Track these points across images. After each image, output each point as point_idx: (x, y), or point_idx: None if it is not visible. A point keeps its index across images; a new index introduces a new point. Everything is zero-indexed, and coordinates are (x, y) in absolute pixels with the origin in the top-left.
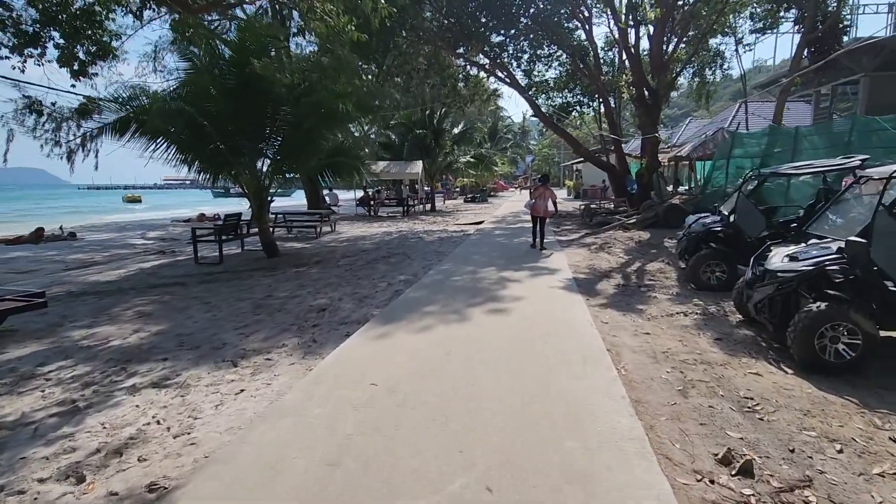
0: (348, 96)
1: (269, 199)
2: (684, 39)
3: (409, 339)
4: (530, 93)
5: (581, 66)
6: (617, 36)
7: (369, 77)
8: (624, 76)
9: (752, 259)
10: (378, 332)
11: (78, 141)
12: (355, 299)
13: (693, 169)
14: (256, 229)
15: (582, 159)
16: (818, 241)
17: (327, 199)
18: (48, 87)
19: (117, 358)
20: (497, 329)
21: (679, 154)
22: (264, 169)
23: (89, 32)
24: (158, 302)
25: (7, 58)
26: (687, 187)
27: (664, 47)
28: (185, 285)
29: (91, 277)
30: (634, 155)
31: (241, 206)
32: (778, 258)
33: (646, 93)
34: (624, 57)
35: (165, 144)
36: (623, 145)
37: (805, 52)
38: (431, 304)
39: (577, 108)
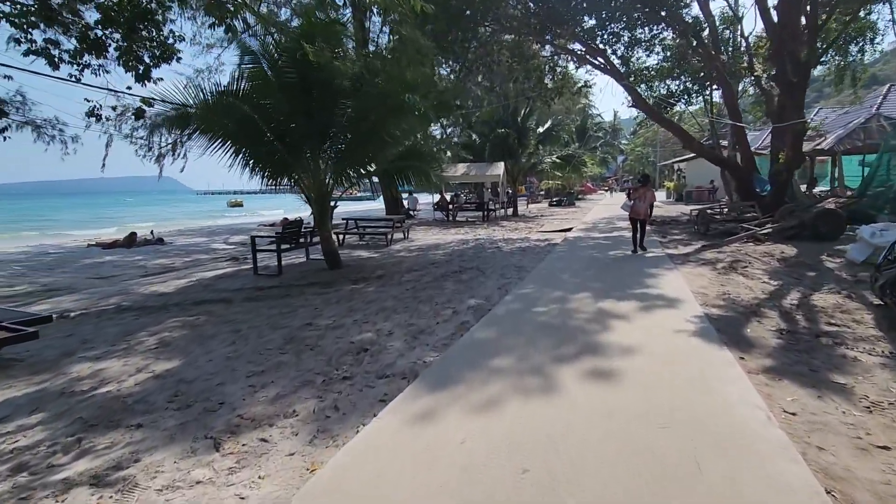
0: (417, 87)
1: (332, 204)
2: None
3: (464, 429)
4: (629, 80)
5: (695, 44)
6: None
7: (449, 74)
8: (758, 49)
9: None
10: (422, 405)
11: (167, 146)
12: (409, 334)
13: (838, 165)
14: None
15: (686, 157)
16: None
17: (406, 203)
18: (113, 91)
19: (88, 417)
20: (601, 415)
21: (819, 147)
22: (327, 171)
23: (147, 33)
24: (190, 326)
25: (69, 62)
26: (829, 188)
27: (808, 10)
28: (230, 303)
29: (153, 287)
30: (756, 150)
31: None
32: None
33: (788, 68)
34: (744, 34)
35: (221, 144)
36: (719, 146)
37: None
38: (503, 355)
39: (685, 97)
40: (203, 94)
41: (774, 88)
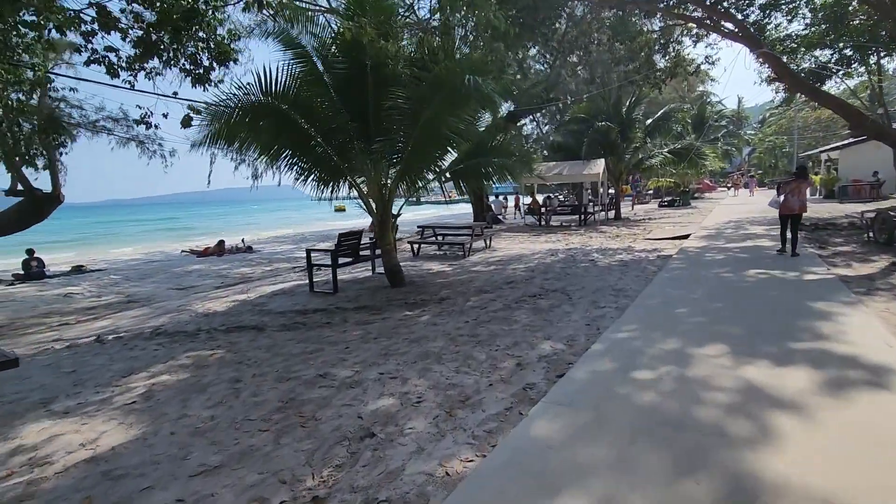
0: (483, 69)
1: (395, 213)
2: None
3: None
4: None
5: None
6: None
7: (539, 62)
8: None
9: None
10: None
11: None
12: (444, 404)
13: None
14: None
15: (838, 144)
16: None
17: (493, 207)
18: (162, 95)
19: None
20: None
21: None
22: (386, 174)
23: (201, 34)
24: (196, 366)
25: (125, 69)
26: None
27: None
28: (262, 331)
29: (208, 304)
30: None
31: (442, 213)
32: None
33: None
34: None
35: (263, 152)
36: None
37: None
38: (572, 485)
39: (842, 67)
40: (236, 97)
41: None
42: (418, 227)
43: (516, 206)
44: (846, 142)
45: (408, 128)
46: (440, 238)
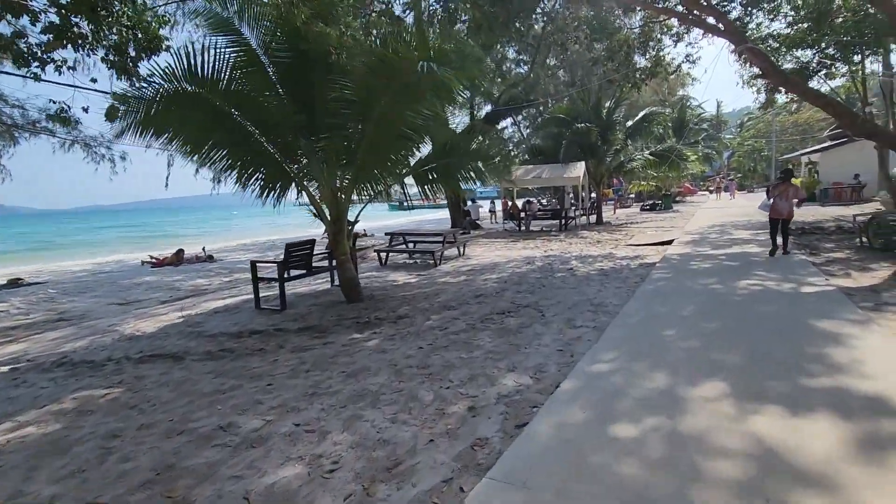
0: (443, 56)
1: (350, 221)
2: None
3: None
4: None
5: None
6: None
7: (517, 62)
8: None
9: None
10: None
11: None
12: (361, 479)
13: None
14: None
15: (817, 147)
16: None
17: (471, 212)
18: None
19: None
20: None
21: None
22: (339, 177)
23: (125, 20)
24: (78, 412)
25: (41, 57)
26: None
27: None
28: (181, 360)
29: (140, 324)
30: None
31: (424, 218)
32: None
33: None
34: None
35: (190, 149)
36: (894, 123)
37: None
38: None
39: (826, 68)
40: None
41: None
42: (386, 233)
43: (504, 210)
44: (826, 144)
45: (360, 123)
46: (410, 246)
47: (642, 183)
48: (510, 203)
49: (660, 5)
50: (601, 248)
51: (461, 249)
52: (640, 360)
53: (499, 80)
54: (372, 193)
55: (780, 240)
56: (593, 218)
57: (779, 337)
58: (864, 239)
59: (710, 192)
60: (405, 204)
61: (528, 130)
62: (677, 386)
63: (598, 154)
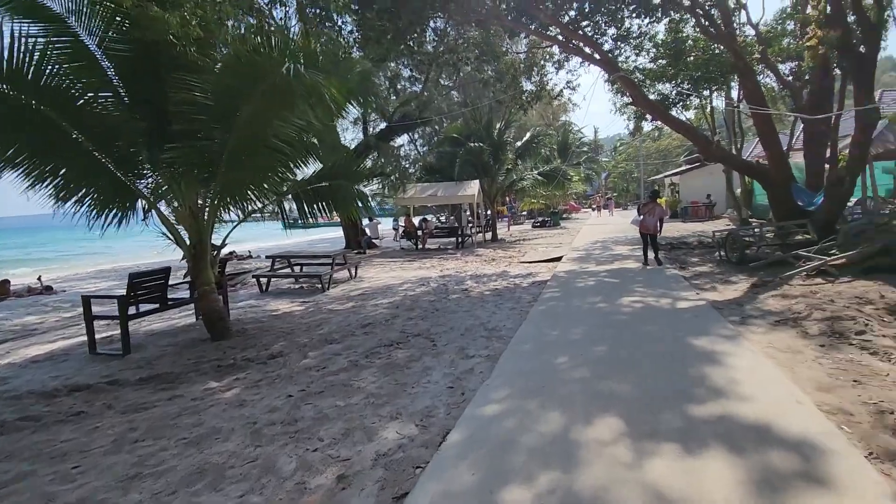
0: (312, 57)
1: (215, 246)
2: None
3: None
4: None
5: (706, 24)
6: None
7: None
8: (773, 38)
9: None
10: None
11: None
12: None
13: (871, 170)
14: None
15: (679, 170)
16: None
17: (367, 230)
18: None
19: None
20: None
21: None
22: (199, 195)
23: None
24: None
25: None
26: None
27: None
28: None
29: None
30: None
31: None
32: None
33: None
34: (751, 21)
35: None
36: (739, 151)
37: None
38: None
39: (682, 100)
40: None
41: (798, 80)
42: (267, 256)
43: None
44: (684, 168)
45: (219, 132)
46: (295, 270)
47: (533, 201)
48: (407, 221)
49: (540, 31)
50: (496, 265)
51: (353, 271)
52: (533, 396)
53: (393, 97)
54: (242, 213)
55: (651, 253)
56: (489, 235)
57: (663, 361)
58: (723, 253)
59: (593, 209)
60: (299, 222)
61: (424, 148)
62: (571, 427)
63: (491, 173)
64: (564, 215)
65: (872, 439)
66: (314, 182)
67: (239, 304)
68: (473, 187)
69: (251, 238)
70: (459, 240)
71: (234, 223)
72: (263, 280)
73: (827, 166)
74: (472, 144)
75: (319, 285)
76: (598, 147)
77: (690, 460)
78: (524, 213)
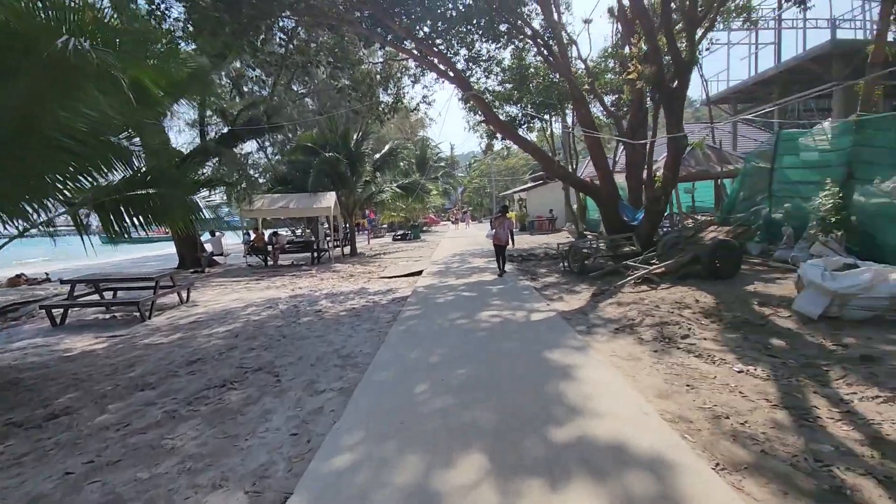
0: (105, 35)
1: None
2: None
3: None
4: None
5: (546, 53)
6: None
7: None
8: (600, 73)
9: None
10: None
11: None
12: None
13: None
14: None
15: (526, 186)
16: None
17: (208, 246)
18: None
19: None
20: None
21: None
22: None
23: None
24: None
25: None
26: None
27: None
28: None
29: None
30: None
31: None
32: None
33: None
34: (581, 56)
35: None
36: (575, 170)
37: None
38: None
39: (527, 122)
40: None
41: (621, 109)
42: (62, 281)
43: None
44: (529, 185)
45: None
46: (107, 296)
47: (393, 214)
48: (254, 235)
49: (398, 43)
50: (354, 282)
51: (184, 295)
52: (390, 437)
53: (237, 98)
54: (19, 228)
55: (503, 264)
56: (347, 249)
57: (522, 380)
58: (566, 264)
59: (451, 222)
60: (125, 236)
61: (276, 157)
62: (433, 473)
63: (348, 184)
64: (424, 228)
65: (715, 448)
66: (125, 190)
67: (16, 345)
68: (329, 199)
69: (62, 257)
70: (315, 255)
71: (6, 239)
72: (58, 311)
73: (644, 187)
74: (327, 154)
75: (138, 314)
76: (455, 163)
77: (556, 497)
78: (384, 226)
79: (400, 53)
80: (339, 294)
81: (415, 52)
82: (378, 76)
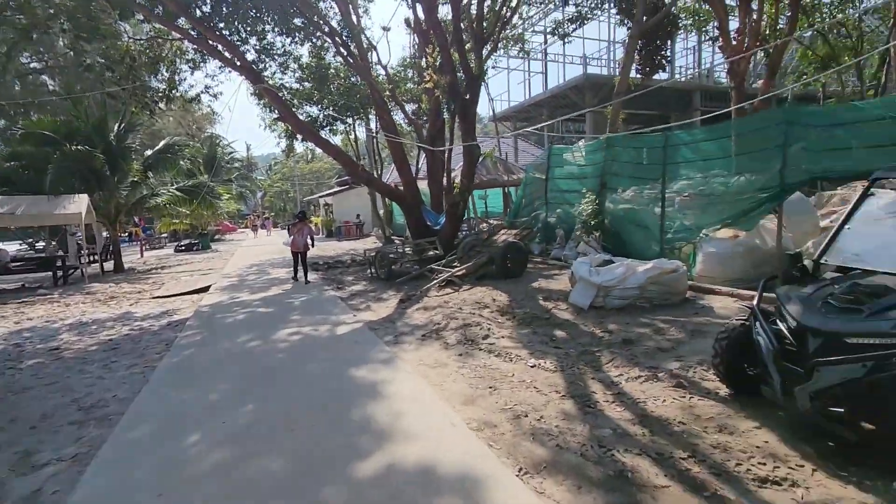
0: None
1: None
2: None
3: None
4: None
5: (345, 54)
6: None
7: None
8: (426, 61)
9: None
10: None
11: None
12: None
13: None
14: None
15: (332, 191)
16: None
17: None
18: None
19: None
20: None
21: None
22: None
23: None
24: None
25: None
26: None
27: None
28: None
29: None
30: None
31: None
32: (812, 310)
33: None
34: (381, 62)
35: None
36: (380, 175)
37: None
38: None
39: (331, 125)
40: None
41: (421, 118)
42: None
43: None
44: (336, 189)
45: None
46: None
47: (175, 221)
48: None
49: (169, 21)
50: (116, 306)
51: None
52: None
53: None
54: None
55: (300, 271)
56: (110, 265)
57: (324, 410)
58: (374, 270)
59: (251, 229)
60: None
61: None
62: None
63: (107, 185)
64: (217, 237)
65: (517, 449)
66: None
67: None
68: (80, 203)
69: None
70: (61, 274)
71: None
72: None
73: (444, 193)
74: (75, 148)
75: None
76: (253, 164)
77: None
78: (164, 235)
79: (173, 33)
80: (90, 323)
81: (192, 32)
82: (144, 56)
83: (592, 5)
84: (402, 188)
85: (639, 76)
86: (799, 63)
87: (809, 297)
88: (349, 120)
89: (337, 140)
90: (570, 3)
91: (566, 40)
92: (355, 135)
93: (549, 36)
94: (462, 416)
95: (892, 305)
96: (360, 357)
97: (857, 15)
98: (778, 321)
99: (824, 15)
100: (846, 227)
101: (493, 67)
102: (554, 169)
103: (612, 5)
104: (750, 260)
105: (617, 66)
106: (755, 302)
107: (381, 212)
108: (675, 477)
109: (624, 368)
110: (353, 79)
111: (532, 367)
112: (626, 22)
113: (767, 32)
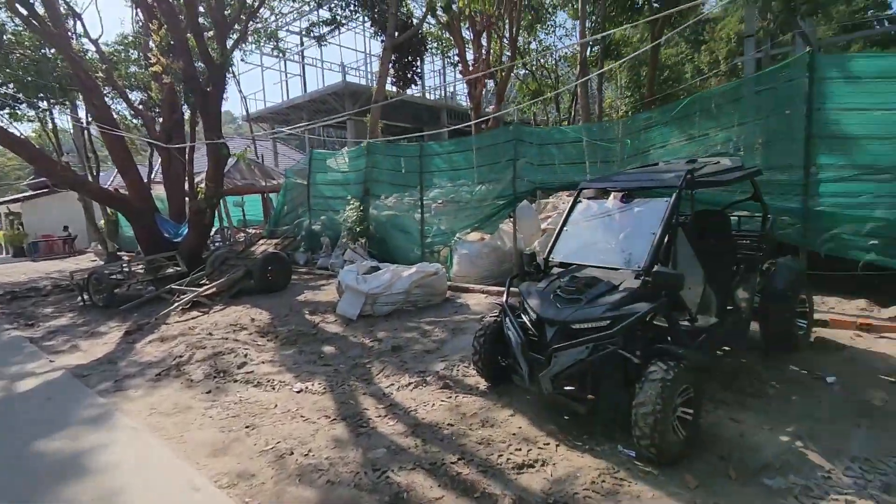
0: None
1: None
2: None
3: None
4: None
5: (26, 14)
6: None
7: None
8: (153, 41)
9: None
10: None
11: None
12: None
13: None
14: None
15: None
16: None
17: None
18: None
19: None
20: None
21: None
22: None
23: None
24: None
25: None
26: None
27: None
28: None
29: None
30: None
31: None
32: (547, 303)
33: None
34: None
35: None
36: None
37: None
38: None
39: (11, 106)
40: None
41: (152, 109)
42: None
43: None
44: (28, 194)
45: None
46: None
47: None
48: None
49: None
50: None
51: None
52: None
53: None
54: None
55: None
56: None
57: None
58: (87, 297)
59: None
60: None
61: None
62: None
63: None
64: None
65: (281, 499)
66: None
67: None
68: None
69: None
70: None
71: None
72: None
73: (188, 199)
74: None
75: None
76: None
77: None
78: None
79: None
80: None
81: None
82: None
83: (346, 14)
84: (125, 192)
85: (395, 88)
86: (517, 94)
87: (544, 291)
88: (42, 104)
89: (26, 129)
90: (324, 6)
91: (322, 44)
92: (53, 124)
93: (305, 38)
94: (209, 473)
95: (601, 293)
96: (56, 419)
97: (553, 62)
98: (522, 315)
99: (533, 58)
100: (564, 228)
101: (244, 61)
102: (316, 174)
103: (365, 18)
104: (495, 259)
105: (374, 77)
106: (504, 298)
107: (102, 222)
108: (448, 485)
109: (395, 377)
110: (45, 51)
111: (298, 392)
112: (380, 34)
113: (495, 64)
